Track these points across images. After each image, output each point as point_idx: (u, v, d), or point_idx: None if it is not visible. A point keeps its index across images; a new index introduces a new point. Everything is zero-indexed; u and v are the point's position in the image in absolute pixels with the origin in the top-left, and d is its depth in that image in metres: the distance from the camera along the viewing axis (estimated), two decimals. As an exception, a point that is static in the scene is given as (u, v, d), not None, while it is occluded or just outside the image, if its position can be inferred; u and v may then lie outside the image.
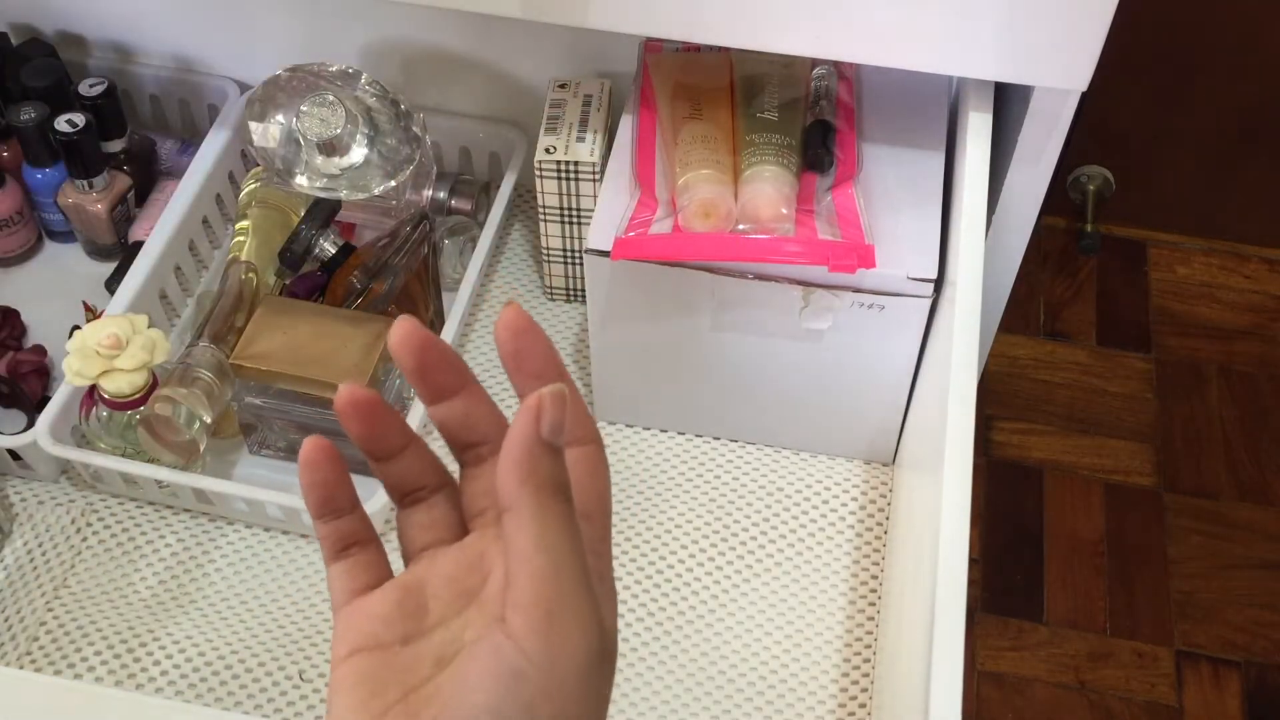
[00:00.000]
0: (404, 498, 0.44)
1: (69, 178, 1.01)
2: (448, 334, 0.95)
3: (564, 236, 0.98)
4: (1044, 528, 1.70)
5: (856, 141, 0.84)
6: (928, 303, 0.80)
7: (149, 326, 0.87)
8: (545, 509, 0.37)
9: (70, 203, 1.02)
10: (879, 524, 0.90)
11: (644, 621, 0.86)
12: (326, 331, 0.87)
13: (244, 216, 0.98)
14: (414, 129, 0.94)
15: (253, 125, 0.92)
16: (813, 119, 0.84)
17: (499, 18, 0.78)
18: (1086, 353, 1.88)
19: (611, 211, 0.82)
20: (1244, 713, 1.55)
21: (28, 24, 1.11)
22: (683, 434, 0.95)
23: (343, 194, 0.92)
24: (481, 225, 1.03)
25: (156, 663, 0.84)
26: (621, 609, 0.86)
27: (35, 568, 0.88)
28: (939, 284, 0.79)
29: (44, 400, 0.93)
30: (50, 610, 0.86)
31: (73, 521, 0.90)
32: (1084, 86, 0.75)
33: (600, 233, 0.82)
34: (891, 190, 0.83)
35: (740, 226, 0.79)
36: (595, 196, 0.94)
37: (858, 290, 0.80)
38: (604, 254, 0.81)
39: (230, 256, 0.96)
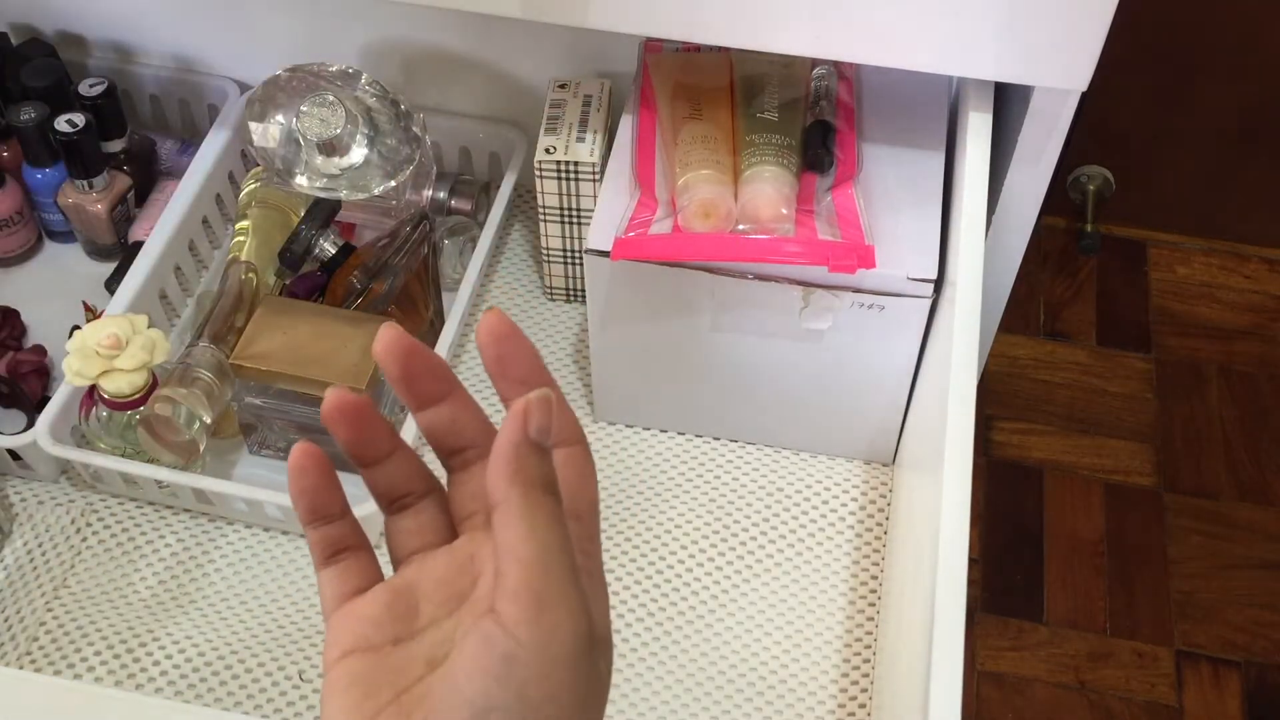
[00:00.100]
0: (392, 504, 0.45)
1: (69, 178, 1.01)
2: (447, 334, 0.95)
3: (564, 236, 0.98)
4: (1044, 528, 1.70)
5: (856, 141, 0.84)
6: (928, 303, 0.80)
7: (149, 326, 0.87)
8: (534, 503, 0.37)
9: (70, 203, 1.02)
10: (879, 524, 0.90)
11: (644, 622, 0.86)
12: (326, 332, 0.87)
13: (244, 216, 0.98)
14: (414, 129, 0.94)
15: (253, 125, 0.92)
16: (813, 119, 0.84)
17: (499, 18, 0.78)
18: (1086, 353, 1.88)
19: (611, 212, 0.82)
20: (1244, 713, 1.55)
21: (28, 24, 1.11)
22: (683, 434, 0.95)
23: (343, 194, 0.92)
24: (481, 225, 1.03)
25: (156, 663, 0.84)
26: (621, 609, 0.86)
27: (35, 568, 0.88)
28: (939, 284, 0.79)
29: (44, 400, 0.93)
30: (50, 610, 0.86)
31: (72, 521, 0.90)
32: (1084, 86, 0.75)
33: (600, 233, 0.82)
34: (891, 190, 0.83)
35: (740, 227, 0.79)
36: (595, 196, 0.94)
37: (858, 290, 0.80)
38: (604, 254, 0.81)
39: (230, 256, 0.96)
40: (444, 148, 1.08)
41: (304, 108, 0.89)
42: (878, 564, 0.88)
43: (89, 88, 1.01)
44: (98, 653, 0.84)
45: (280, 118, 0.91)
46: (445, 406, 0.43)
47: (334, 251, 0.93)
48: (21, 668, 0.83)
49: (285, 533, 0.90)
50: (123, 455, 0.89)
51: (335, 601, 0.43)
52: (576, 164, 0.93)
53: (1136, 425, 1.80)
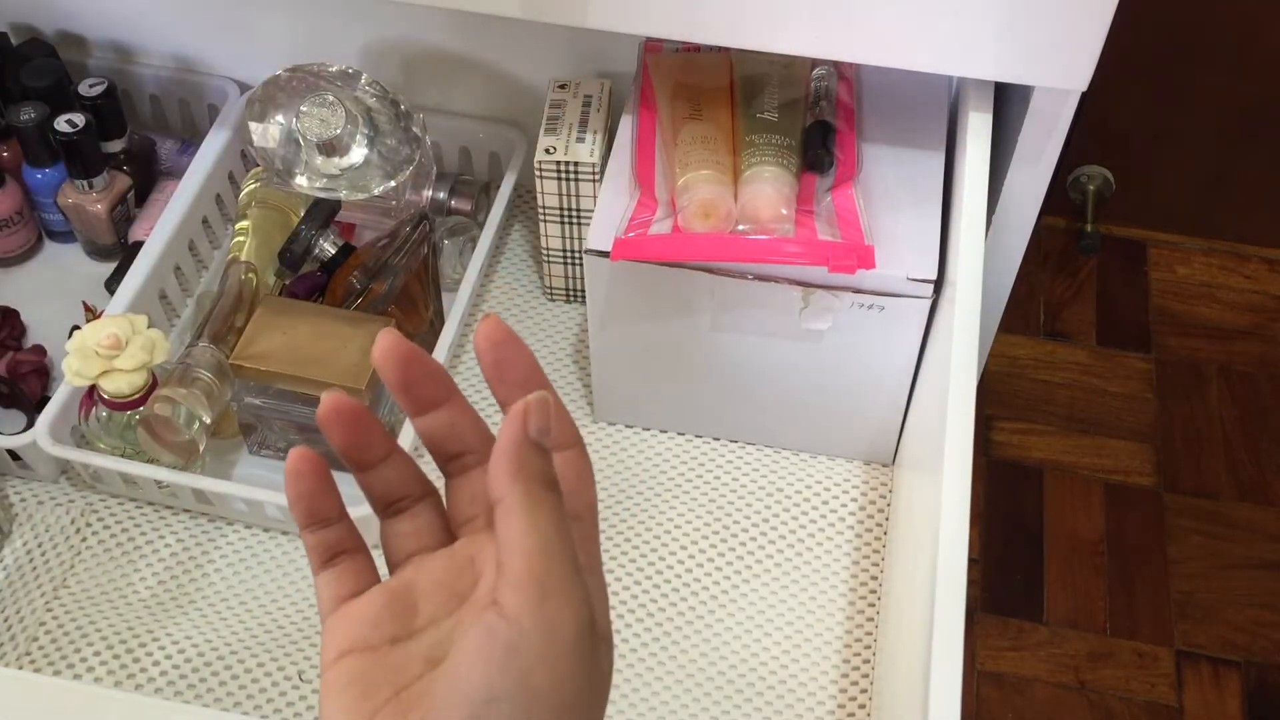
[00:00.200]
0: (387, 507, 0.45)
1: (69, 178, 1.01)
2: (447, 334, 0.94)
3: (564, 237, 0.98)
4: (1044, 528, 1.70)
5: (856, 142, 0.84)
6: (927, 303, 0.80)
7: (149, 326, 0.87)
8: (535, 498, 0.37)
9: (70, 203, 1.02)
10: (879, 524, 0.90)
11: (644, 622, 0.86)
12: (326, 332, 0.87)
13: (244, 216, 0.98)
14: (414, 129, 0.94)
15: (253, 125, 0.92)
16: (813, 119, 0.84)
17: (499, 18, 0.78)
18: (1086, 353, 1.88)
19: (611, 212, 0.82)
20: (1244, 713, 1.55)
21: (28, 24, 1.11)
22: (683, 434, 0.95)
23: (343, 194, 0.92)
24: (481, 225, 1.03)
25: (156, 663, 0.84)
26: (621, 609, 0.86)
27: (35, 568, 0.88)
28: (939, 284, 0.79)
29: (44, 400, 0.93)
30: (50, 610, 0.86)
31: (72, 522, 0.90)
32: (1084, 86, 0.75)
33: (600, 233, 0.82)
34: (891, 190, 0.83)
35: (740, 227, 0.79)
36: (595, 197, 0.94)
37: (857, 291, 0.80)
38: (604, 254, 0.81)
39: (230, 256, 0.96)
40: (444, 148, 1.08)
41: (304, 108, 0.89)
42: (878, 564, 0.88)
43: (89, 88, 1.01)
44: (97, 653, 0.84)
45: (280, 118, 0.91)
46: (444, 412, 0.43)
47: (334, 251, 0.93)
48: (21, 668, 0.83)
49: (285, 533, 0.90)
50: (123, 455, 0.89)
51: (333, 604, 0.43)
52: (576, 164, 0.93)
53: (1136, 425, 1.80)
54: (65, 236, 1.07)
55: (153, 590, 0.87)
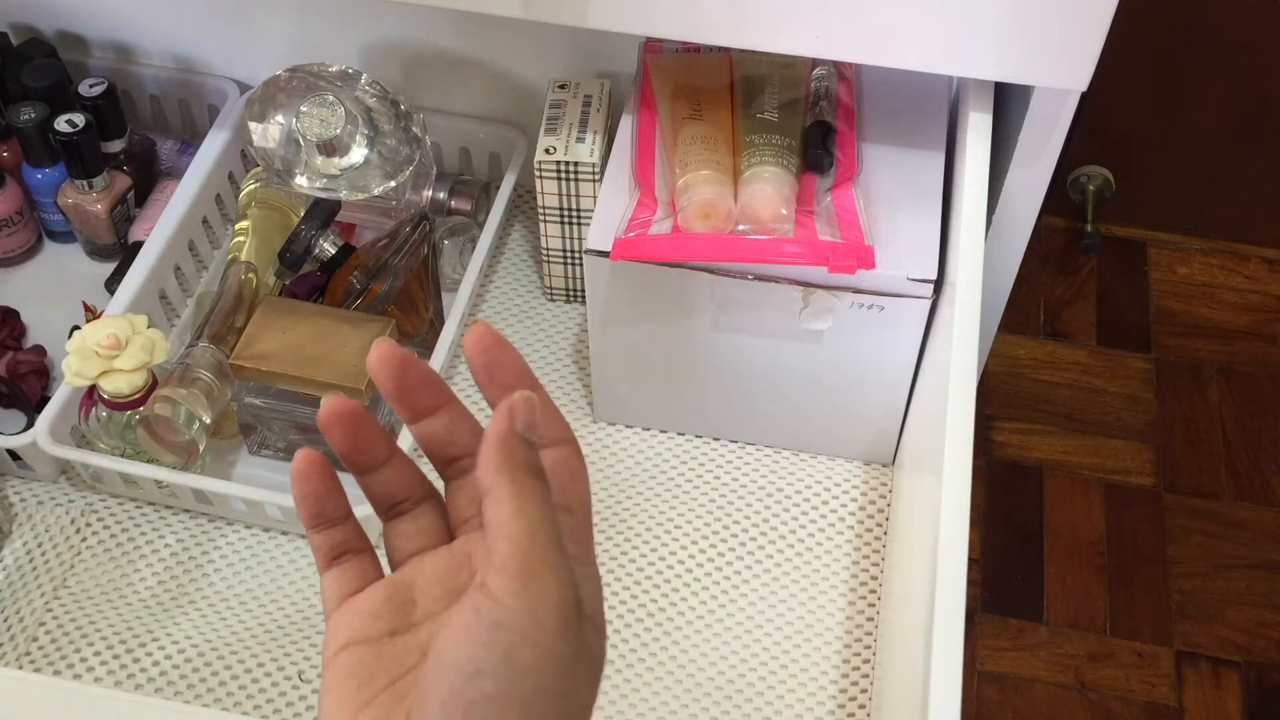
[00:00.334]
0: (389, 509, 0.46)
1: (69, 178, 1.01)
2: (447, 335, 0.94)
3: (564, 237, 0.98)
4: (1044, 528, 1.70)
5: (856, 142, 0.84)
6: (927, 303, 0.80)
7: (149, 327, 0.87)
8: (521, 485, 0.38)
9: (70, 203, 1.02)
10: (879, 525, 0.90)
11: (644, 622, 0.86)
12: (326, 332, 0.87)
13: (244, 217, 0.98)
14: (414, 129, 0.94)
15: (253, 125, 0.92)
16: (813, 120, 0.84)
17: (499, 18, 0.78)
18: (1086, 353, 1.88)
19: (611, 212, 0.82)
20: (1244, 713, 1.55)
21: (28, 24, 1.11)
22: (682, 434, 0.95)
23: (343, 194, 0.92)
24: (481, 226, 1.03)
25: (156, 663, 0.84)
26: (621, 609, 0.86)
27: (35, 568, 0.88)
28: (939, 284, 0.79)
29: (44, 400, 0.93)
30: (49, 610, 0.86)
31: (72, 522, 0.90)
32: (1084, 86, 0.75)
33: (600, 233, 0.82)
34: (891, 190, 0.83)
35: (740, 227, 0.79)
36: (595, 197, 0.94)
37: (857, 291, 0.80)
38: (604, 254, 0.81)
39: (230, 257, 0.96)
40: (444, 148, 1.08)
41: (304, 108, 0.89)
42: (878, 564, 0.88)
43: (89, 88, 1.01)
44: (97, 653, 0.84)
45: (280, 118, 0.91)
46: (440, 418, 0.44)
47: (334, 252, 0.93)
48: (21, 668, 0.83)
49: (285, 533, 0.90)
50: (122, 455, 0.89)
51: (336, 602, 0.44)
52: (576, 164, 0.93)
53: (1136, 425, 1.80)
54: (65, 236, 1.07)
55: (152, 590, 0.87)
